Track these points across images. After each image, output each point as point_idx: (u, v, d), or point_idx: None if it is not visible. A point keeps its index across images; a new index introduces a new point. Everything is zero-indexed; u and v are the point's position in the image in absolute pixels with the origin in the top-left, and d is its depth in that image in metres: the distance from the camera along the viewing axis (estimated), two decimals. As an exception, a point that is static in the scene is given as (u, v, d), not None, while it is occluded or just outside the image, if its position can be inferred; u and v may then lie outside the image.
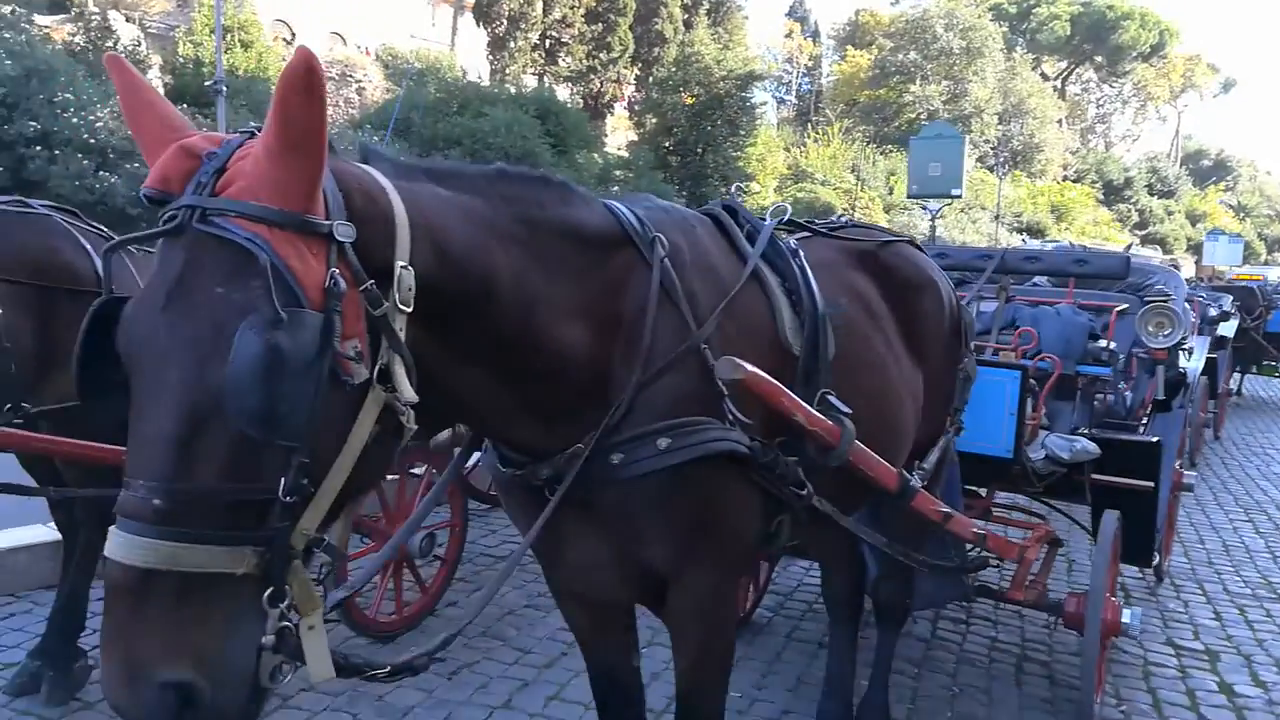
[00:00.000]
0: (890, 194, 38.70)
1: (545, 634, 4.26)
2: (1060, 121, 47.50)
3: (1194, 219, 46.20)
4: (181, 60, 24.75)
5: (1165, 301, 4.31)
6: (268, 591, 1.33)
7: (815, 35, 54.55)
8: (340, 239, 1.36)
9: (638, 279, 1.89)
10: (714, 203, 2.37)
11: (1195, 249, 37.92)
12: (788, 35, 53.15)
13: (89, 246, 3.32)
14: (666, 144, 32.68)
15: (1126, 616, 3.68)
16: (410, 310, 1.46)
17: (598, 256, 1.85)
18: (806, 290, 2.20)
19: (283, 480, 1.31)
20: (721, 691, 2.20)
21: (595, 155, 29.31)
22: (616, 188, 25.21)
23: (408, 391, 1.44)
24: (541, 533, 2.04)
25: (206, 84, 19.66)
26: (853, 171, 38.49)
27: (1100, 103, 51.07)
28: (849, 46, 49.37)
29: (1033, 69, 48.54)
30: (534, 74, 35.37)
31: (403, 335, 1.46)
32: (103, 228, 3.46)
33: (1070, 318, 4.30)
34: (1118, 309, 4.58)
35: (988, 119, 44.13)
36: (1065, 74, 50.08)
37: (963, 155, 13.74)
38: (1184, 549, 6.21)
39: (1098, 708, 3.55)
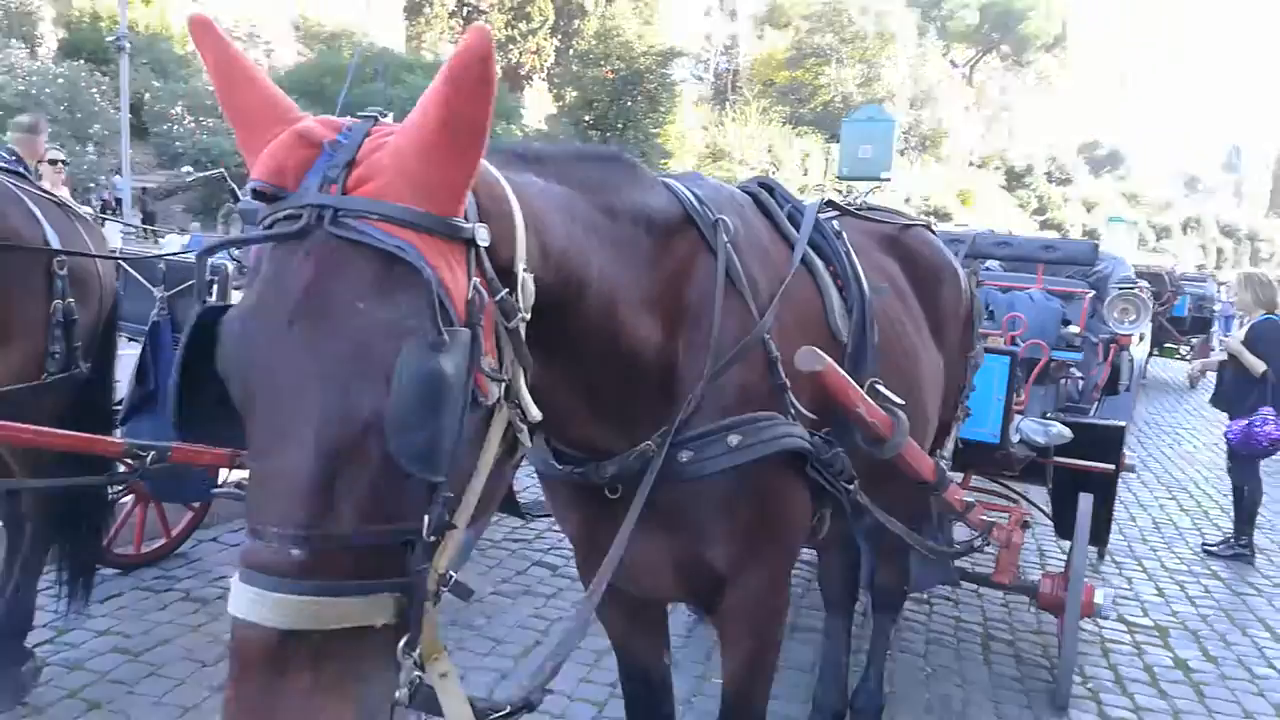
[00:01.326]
0: (805, 175, 39.23)
1: (516, 622, 4.15)
2: (967, 108, 48.73)
3: (1089, 206, 48.13)
4: (77, 14, 23.37)
5: (1132, 289, 4.41)
6: (403, 641, 1.18)
7: (733, 14, 54.64)
8: (480, 244, 1.23)
9: (702, 265, 1.79)
10: (750, 180, 2.29)
11: (1089, 235, 39.47)
12: (706, 14, 53.12)
13: (39, 212, 3.05)
14: (587, 118, 32.38)
15: (1099, 597, 3.77)
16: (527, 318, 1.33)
17: (664, 242, 1.74)
18: (854, 275, 2.14)
19: (426, 518, 1.17)
20: (768, 688, 2.14)
21: (514, 128, 28.90)
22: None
23: (533, 408, 1.31)
24: (589, 530, 1.94)
25: (107, 39, 18.61)
26: (769, 151, 38.87)
27: (1005, 90, 52.59)
28: (766, 26, 49.62)
29: (943, 56, 49.66)
30: (451, 42, 34.56)
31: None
32: (56, 194, 3.18)
33: (1043, 303, 4.37)
34: (1089, 295, 4.67)
35: (899, 104, 44.97)
36: (973, 62, 51.38)
37: (893, 139, 13.95)
38: (1119, 527, 6.43)
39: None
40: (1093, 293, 4.68)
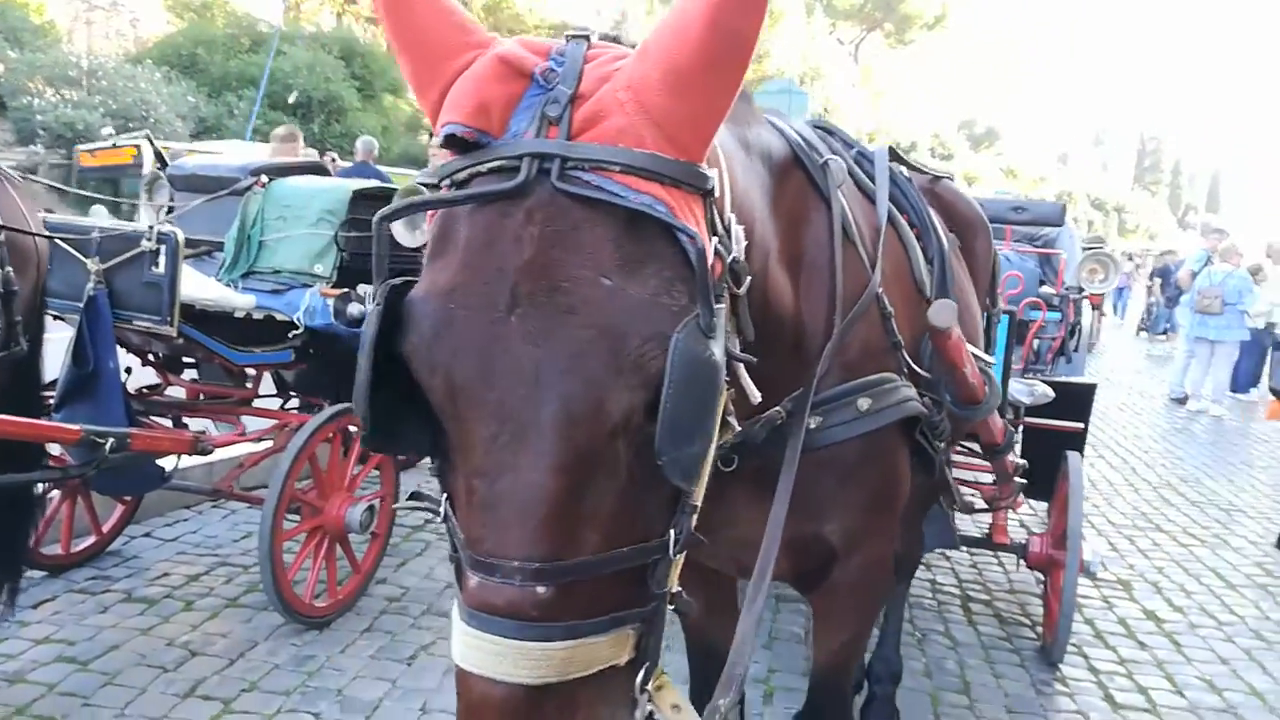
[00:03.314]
0: (700, 150, 39.37)
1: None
2: (854, 85, 49.61)
3: (970, 180, 49.81)
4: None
5: (1101, 248, 4.45)
6: (640, 675, 0.99)
7: (622, -12, 54.19)
8: (714, 196, 1.01)
9: (814, 210, 1.61)
10: (806, 122, 2.13)
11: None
12: (594, -13, 52.53)
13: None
14: (479, 93, 31.72)
15: (1088, 554, 3.79)
16: None
17: (781, 183, 1.54)
18: (931, 226, 2.02)
19: (672, 532, 0.98)
20: (860, 661, 2.01)
21: (403, 102, 28.03)
22: (428, 136, 24.23)
23: (755, 390, 1.10)
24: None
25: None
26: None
27: (888, 68, 53.79)
28: (656, 1, 49.44)
29: (829, 33, 50.47)
30: (334, 12, 33.18)
31: None
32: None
33: (1020, 263, 4.37)
34: (1063, 255, 4.70)
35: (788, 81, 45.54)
36: (859, 40, 52.36)
37: (807, 113, 14.01)
38: (1057, 485, 6.60)
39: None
40: (1064, 254, 4.73)
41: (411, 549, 4.48)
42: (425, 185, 1.03)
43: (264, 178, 3.85)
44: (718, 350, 0.91)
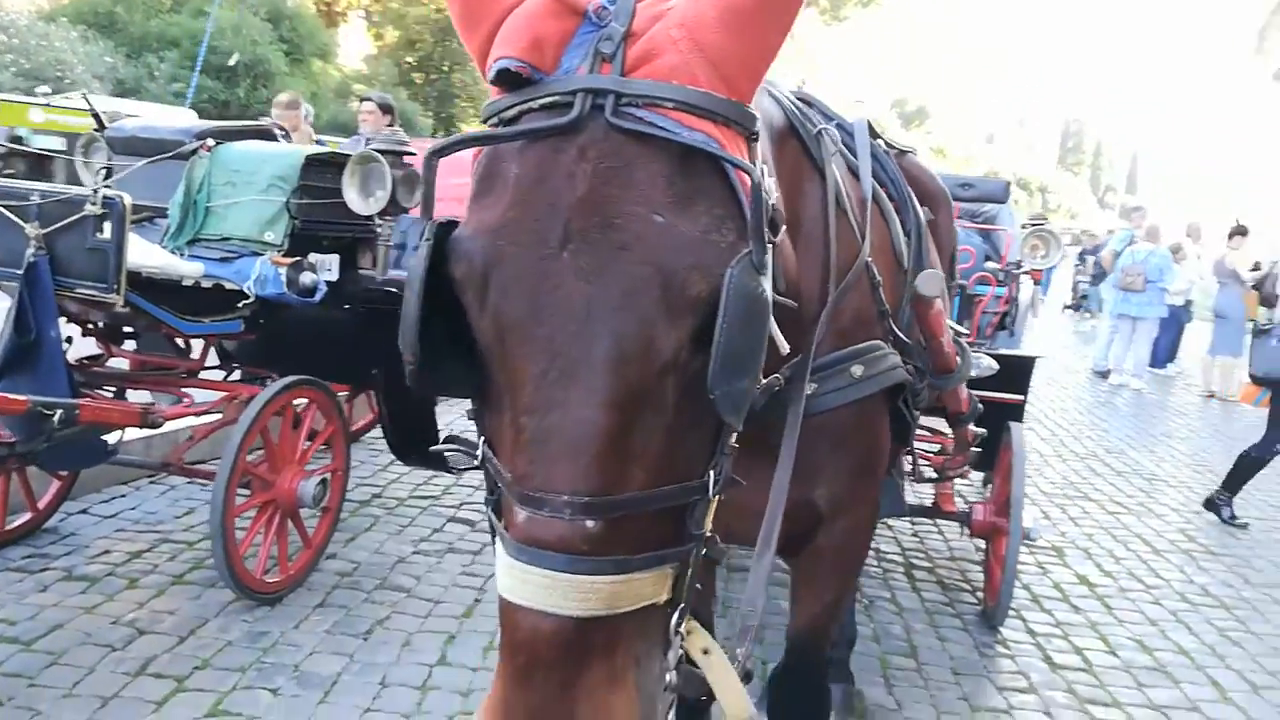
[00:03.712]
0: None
1: (447, 581, 3.91)
2: (788, 61, 49.96)
3: (901, 158, 50.73)
4: None
5: (1044, 225, 4.57)
6: (674, 616, 1.02)
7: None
8: (757, 139, 1.03)
9: (808, 178, 1.64)
10: (788, 92, 2.15)
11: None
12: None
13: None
14: (409, 59, 30.98)
15: (1028, 522, 3.93)
16: None
17: (780, 150, 1.56)
18: (908, 199, 2.06)
19: (711, 473, 1.00)
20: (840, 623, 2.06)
21: (330, 67, 27.30)
22: (358, 102, 23.73)
23: (783, 340, 1.11)
24: None
25: None
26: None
27: (822, 46, 54.21)
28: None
29: (764, 8, 50.63)
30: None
31: None
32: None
33: (968, 238, 4.46)
34: (1008, 231, 4.81)
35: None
36: (793, 15, 52.71)
37: None
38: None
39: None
40: (1009, 229, 4.85)
41: (360, 524, 4.44)
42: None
43: (210, 141, 3.73)
44: (768, 287, 0.93)
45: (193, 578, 3.71)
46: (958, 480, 5.35)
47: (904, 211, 2.03)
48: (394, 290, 4.04)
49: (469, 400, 1.06)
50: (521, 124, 0.96)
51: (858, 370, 1.62)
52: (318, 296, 3.56)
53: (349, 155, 3.76)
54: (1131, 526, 5.45)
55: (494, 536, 1.04)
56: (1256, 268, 10.96)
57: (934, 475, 3.70)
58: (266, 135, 4.24)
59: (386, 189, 3.66)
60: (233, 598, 3.48)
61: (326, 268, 3.73)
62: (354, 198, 3.68)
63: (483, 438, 1.05)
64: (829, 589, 1.95)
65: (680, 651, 1.04)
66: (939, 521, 4.90)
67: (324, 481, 3.65)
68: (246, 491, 3.52)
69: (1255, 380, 5.61)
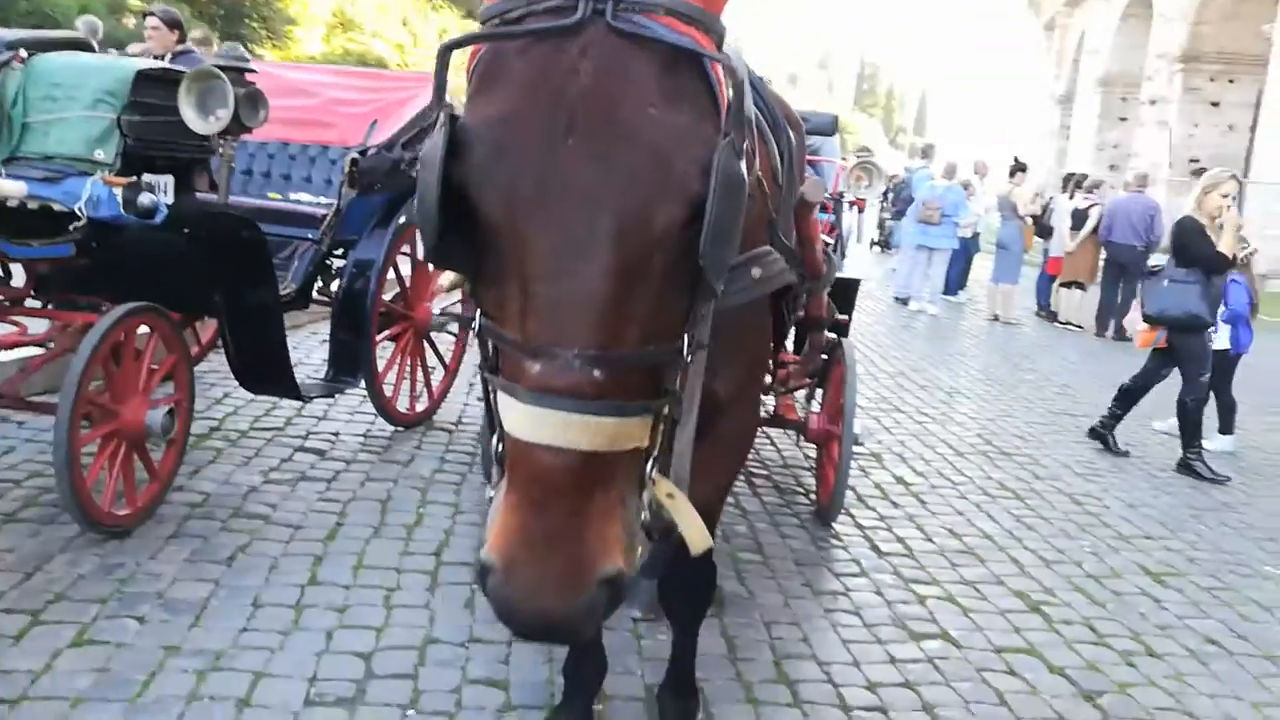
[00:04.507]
0: (444, 53, 38.08)
1: (305, 508, 3.88)
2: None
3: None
4: None
5: (868, 158, 4.89)
6: (648, 463, 1.19)
7: None
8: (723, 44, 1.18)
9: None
10: None
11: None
12: None
13: None
14: (195, -27, 28.68)
15: (858, 428, 4.30)
16: None
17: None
18: (779, 120, 2.22)
19: (687, 336, 1.16)
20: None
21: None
22: (133, 19, 21.77)
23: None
24: None
25: None
26: (405, 25, 37.19)
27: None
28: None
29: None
30: None
31: None
32: None
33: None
34: (837, 162, 5.12)
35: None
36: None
37: None
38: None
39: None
40: (836, 160, 5.17)
41: (203, 457, 4.30)
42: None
43: (23, 52, 3.45)
44: (744, 169, 1.08)
45: (27, 515, 3.52)
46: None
47: (778, 132, 2.20)
48: (236, 214, 3.90)
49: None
50: (526, 24, 1.06)
51: (756, 272, 1.78)
52: (158, 218, 3.40)
53: (183, 71, 3.57)
54: (937, 433, 6.03)
55: (489, 402, 1.15)
56: (1038, 201, 12.06)
57: (779, 389, 3.98)
58: (83, 46, 3.93)
59: (229, 107, 3.52)
60: (76, 533, 3.35)
61: (162, 189, 3.56)
62: (192, 116, 3.52)
63: (479, 310, 1.16)
64: (724, 473, 2.15)
65: (650, 494, 1.19)
66: (771, 433, 5.27)
67: (171, 411, 3.53)
68: (87, 424, 3.35)
69: (1149, 320, 5.73)
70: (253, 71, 3.71)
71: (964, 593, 3.72)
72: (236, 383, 4.14)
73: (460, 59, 1.17)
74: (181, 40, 6.33)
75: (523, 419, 1.06)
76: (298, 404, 4.84)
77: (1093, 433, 6.18)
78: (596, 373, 1.06)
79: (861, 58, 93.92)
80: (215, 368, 5.15)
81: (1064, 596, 3.77)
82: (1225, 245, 5.53)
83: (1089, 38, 25.65)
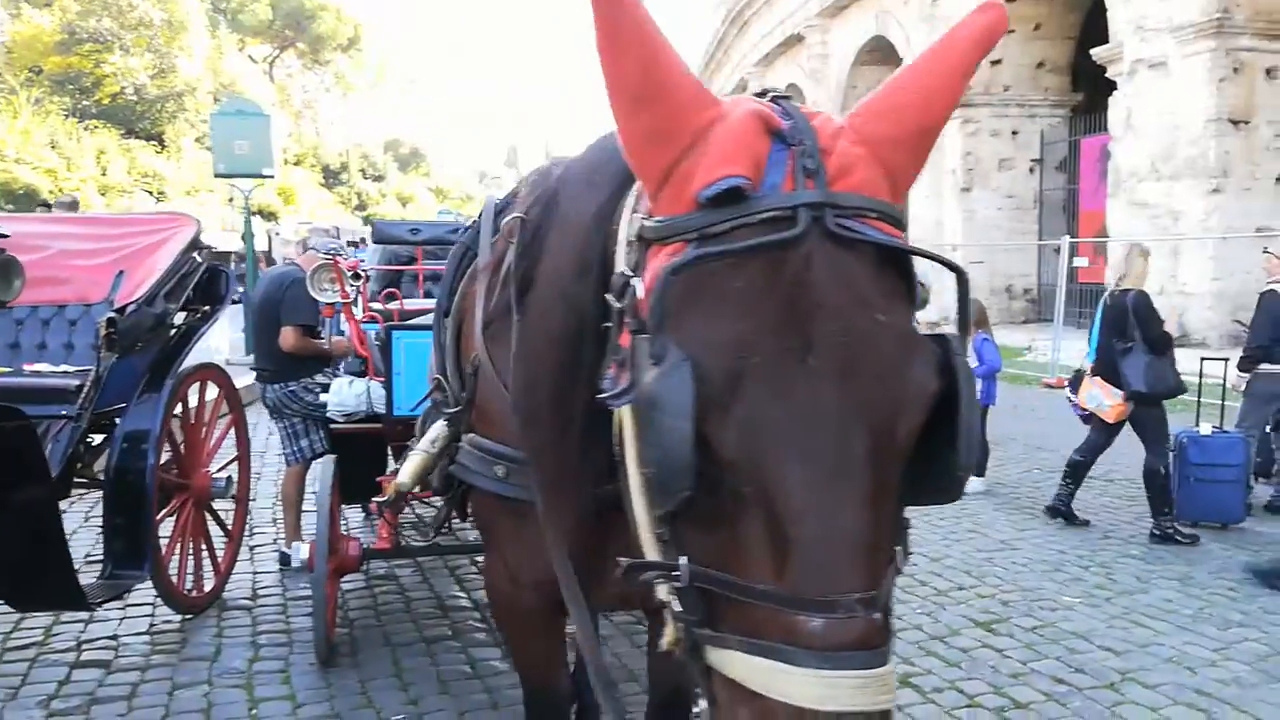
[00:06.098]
0: (104, 175, 35.18)
1: None
2: (273, 105, 47.79)
3: (404, 200, 51.15)
4: None
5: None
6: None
7: (-29, -15, 45.65)
8: None
9: None
10: None
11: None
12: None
13: None
14: None
15: None
16: None
17: None
18: None
19: (899, 548, 1.08)
20: None
21: None
22: None
23: None
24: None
25: None
26: (54, 148, 33.99)
27: (306, 89, 52.85)
28: (23, 4, 42.54)
29: (239, 50, 48.03)
30: None
31: None
32: None
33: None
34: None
35: (201, 97, 42.51)
36: (272, 58, 50.58)
37: (271, 134, 13.06)
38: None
39: None
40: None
41: None
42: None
43: None
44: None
45: None
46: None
47: None
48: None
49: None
50: (736, 237, 0.98)
51: None
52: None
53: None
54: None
55: (700, 662, 1.02)
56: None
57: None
58: None
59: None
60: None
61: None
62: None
63: (683, 557, 1.01)
64: None
65: None
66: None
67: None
68: None
69: (1136, 397, 5.60)
70: (4, 235, 3.16)
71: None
72: (-3, 603, 3.43)
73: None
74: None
75: (807, 686, 0.92)
76: (49, 612, 4.10)
77: (1052, 511, 6.11)
78: (876, 616, 0.95)
79: (547, 150, 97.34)
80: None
81: (921, 663, 3.94)
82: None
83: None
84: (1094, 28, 15.78)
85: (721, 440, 0.95)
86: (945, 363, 1.02)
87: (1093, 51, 14.60)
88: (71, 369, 4.13)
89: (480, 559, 4.97)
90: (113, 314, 3.95)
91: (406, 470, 2.05)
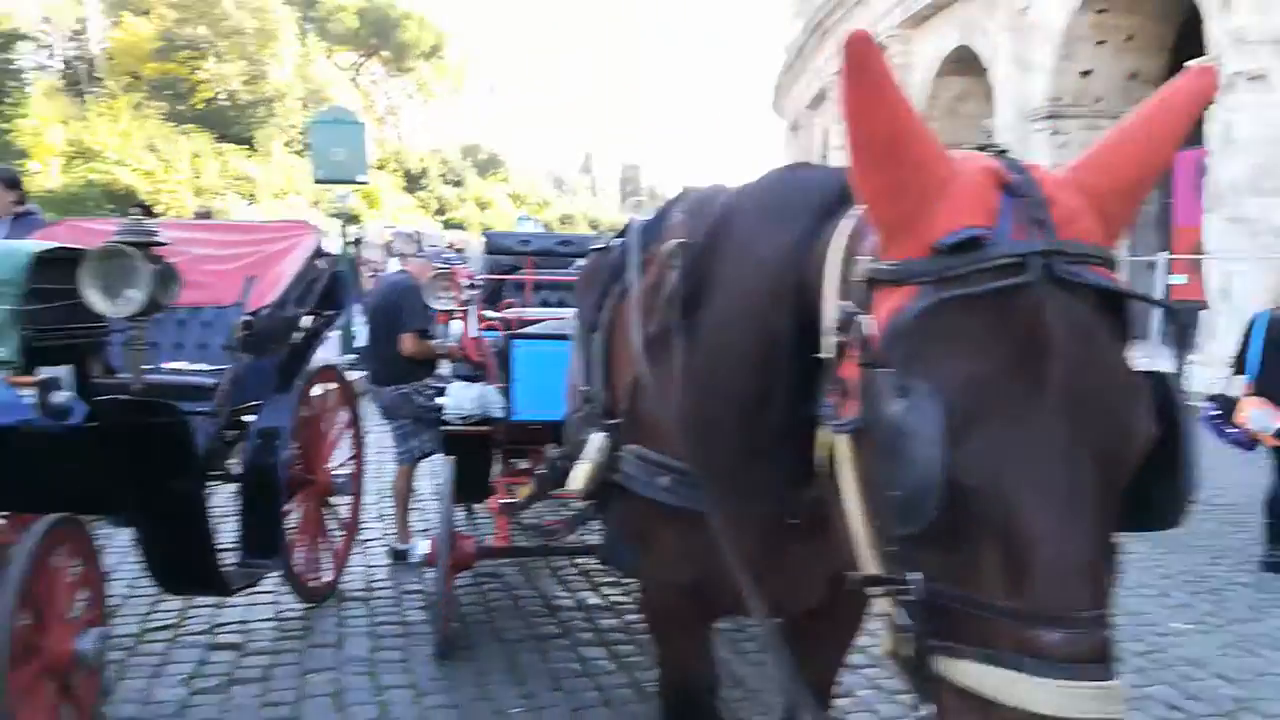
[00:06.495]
0: (199, 177, 36.42)
1: (253, 718, 3.45)
2: (358, 111, 49.07)
3: (482, 205, 51.91)
4: None
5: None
6: None
7: (81, -6, 47.74)
8: None
9: None
10: None
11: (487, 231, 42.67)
12: (46, -10, 45.58)
13: None
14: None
15: None
16: None
17: None
18: None
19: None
20: None
21: None
22: None
23: None
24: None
25: None
26: (152, 151, 35.31)
27: (389, 95, 54.12)
28: (124, 12, 44.37)
29: (327, 57, 49.35)
30: None
31: None
32: None
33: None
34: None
35: (290, 104, 43.79)
36: (357, 65, 51.89)
37: (364, 142, 13.56)
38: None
39: None
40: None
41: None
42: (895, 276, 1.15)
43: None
44: None
45: None
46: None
47: None
48: (153, 399, 3.49)
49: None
50: (974, 281, 1.08)
51: None
52: (77, 418, 2.98)
53: (83, 250, 3.19)
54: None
55: (924, 673, 1.11)
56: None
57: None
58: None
59: (142, 287, 3.14)
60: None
61: (65, 382, 3.14)
62: (96, 299, 3.13)
63: (915, 573, 1.11)
64: (848, 638, 2.22)
65: None
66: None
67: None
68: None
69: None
70: (163, 244, 3.37)
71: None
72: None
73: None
74: (20, 201, 5.66)
75: (1050, 694, 1.01)
76: (192, 596, 4.33)
77: (1268, 566, 5.59)
78: (1106, 632, 1.05)
79: (621, 159, 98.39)
80: None
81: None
82: None
83: (832, 136, 28.17)
84: (1190, 39, 15.37)
85: (965, 468, 1.03)
86: (1165, 398, 1.12)
87: (1188, 64, 14.20)
88: (207, 368, 4.37)
89: (580, 560, 5.12)
90: (248, 317, 4.16)
91: (578, 476, 2.15)
